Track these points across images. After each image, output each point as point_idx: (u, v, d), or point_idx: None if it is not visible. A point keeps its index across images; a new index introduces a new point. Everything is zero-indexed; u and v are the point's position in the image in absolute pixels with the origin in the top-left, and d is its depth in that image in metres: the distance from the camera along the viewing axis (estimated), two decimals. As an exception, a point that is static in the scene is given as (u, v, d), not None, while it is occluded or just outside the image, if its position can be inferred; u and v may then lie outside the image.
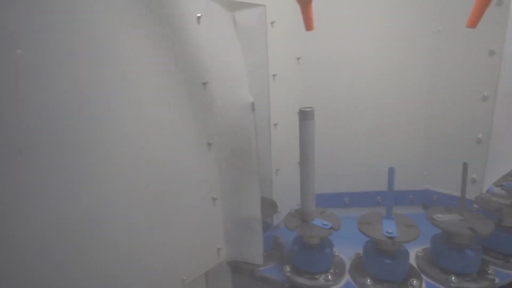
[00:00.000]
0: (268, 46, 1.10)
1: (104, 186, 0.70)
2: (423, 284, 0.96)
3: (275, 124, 1.19)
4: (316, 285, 0.97)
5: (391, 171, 0.98)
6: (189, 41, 0.86)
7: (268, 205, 1.15)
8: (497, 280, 0.95)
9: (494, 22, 1.07)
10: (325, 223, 1.00)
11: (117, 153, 0.72)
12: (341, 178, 1.36)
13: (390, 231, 0.94)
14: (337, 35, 1.23)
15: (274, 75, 1.15)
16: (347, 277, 1.01)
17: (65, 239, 0.64)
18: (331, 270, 1.02)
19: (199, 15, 0.86)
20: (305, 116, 0.94)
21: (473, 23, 0.75)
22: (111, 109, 0.70)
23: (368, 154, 1.33)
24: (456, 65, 1.21)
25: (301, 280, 0.99)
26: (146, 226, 0.81)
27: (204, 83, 0.90)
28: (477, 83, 1.16)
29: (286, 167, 1.27)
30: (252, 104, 0.93)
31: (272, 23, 1.10)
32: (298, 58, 1.23)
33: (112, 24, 0.68)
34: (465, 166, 0.98)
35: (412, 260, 1.04)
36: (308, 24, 0.88)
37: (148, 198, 0.80)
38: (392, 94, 1.27)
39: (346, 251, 1.11)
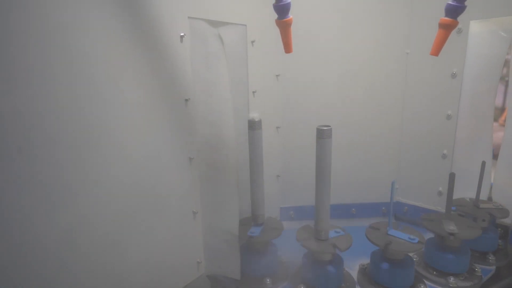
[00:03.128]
0: (248, 64, 1.15)
1: (83, 202, 0.70)
2: None
3: (254, 139, 1.22)
4: None
5: (393, 184, 0.99)
6: (171, 59, 0.88)
7: (271, 228, 1.09)
8: (483, 276, 1.02)
9: (455, 48, 1.17)
10: (412, 237, 0.98)
11: (96, 170, 0.72)
12: (346, 190, 1.39)
13: (412, 237, 0.97)
14: (314, 54, 1.29)
15: (254, 92, 1.19)
16: (285, 283, 1.04)
17: (44, 255, 0.64)
18: (343, 285, 1.01)
19: (183, 34, 0.89)
20: (322, 134, 0.92)
21: (436, 52, 0.82)
22: (90, 126, 0.70)
23: (343, 169, 1.38)
24: (423, 86, 1.30)
25: None
26: (127, 241, 0.81)
27: (186, 100, 0.92)
28: (442, 103, 1.25)
29: (265, 181, 1.30)
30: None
31: (253, 42, 1.14)
32: (277, 75, 1.28)
33: (94, 41, 0.69)
34: (451, 176, 1.04)
35: (354, 272, 1.08)
36: (287, 47, 0.92)
37: (128, 213, 0.80)
38: (366, 111, 1.34)
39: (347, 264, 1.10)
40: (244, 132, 1.17)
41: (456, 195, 1.21)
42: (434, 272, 1.05)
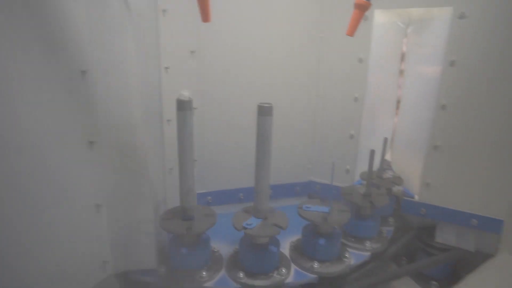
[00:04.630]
0: (160, 36, 1.02)
1: None
2: (291, 272, 1.03)
3: (168, 120, 1.11)
4: (273, 283, 0.96)
5: (333, 165, 1.02)
6: (61, 18, 0.71)
7: (204, 216, 1.02)
8: (353, 262, 1.09)
9: (362, 35, 1.25)
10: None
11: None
12: (234, 174, 1.36)
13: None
14: (231, 33, 1.23)
15: (166, 68, 1.07)
16: (222, 273, 1.01)
17: None
18: (279, 265, 1.02)
19: (76, -10, 0.73)
20: (263, 111, 0.90)
21: (351, 32, 0.85)
22: None
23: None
24: (334, 69, 1.36)
25: (258, 282, 0.95)
26: (17, 242, 0.65)
27: (83, 71, 0.77)
28: (350, 86, 1.33)
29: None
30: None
31: (164, 11, 1.02)
32: (192, 52, 1.18)
33: None
34: (371, 153, 1.12)
35: (286, 250, 1.11)
36: (205, 15, 0.84)
37: (16, 210, 0.64)
38: (281, 93, 1.34)
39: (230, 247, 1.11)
40: (157, 112, 1.06)
41: (362, 170, 1.35)
42: (353, 239, 1.17)
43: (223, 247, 1.11)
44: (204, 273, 0.96)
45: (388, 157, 1.44)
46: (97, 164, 0.84)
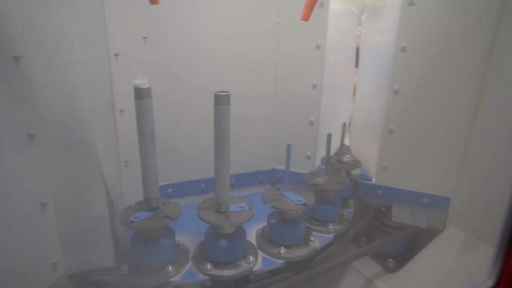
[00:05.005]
0: (108, 20, 0.95)
1: None
2: (259, 259, 1.04)
3: (121, 111, 1.05)
4: (242, 272, 0.96)
5: (288, 147, 1.04)
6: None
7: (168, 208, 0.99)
8: (317, 244, 1.12)
9: (319, 21, 1.25)
10: (243, 205, 0.99)
11: None
12: (195, 165, 1.33)
13: (299, 199, 1.03)
14: (185, 19, 1.18)
15: (116, 55, 1.00)
16: (189, 265, 0.99)
17: None
18: (246, 253, 1.01)
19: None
20: (220, 100, 0.87)
21: (306, 16, 0.84)
22: None
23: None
24: (292, 56, 1.35)
25: (226, 272, 0.94)
26: None
27: (16, 58, 0.69)
28: (308, 73, 1.34)
29: (138, 158, 1.15)
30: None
31: (110, -7, 0.95)
32: (144, 38, 1.12)
33: None
34: (328, 136, 1.15)
35: (253, 238, 1.12)
36: (152, -4, 0.79)
37: None
38: (240, 81, 1.31)
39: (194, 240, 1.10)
40: (107, 103, 0.99)
41: (322, 155, 1.38)
42: (316, 223, 1.20)
43: (188, 240, 1.08)
44: (170, 267, 0.93)
45: (346, 141, 1.48)
46: (39, 159, 0.77)
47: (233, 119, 1.36)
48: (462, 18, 1.07)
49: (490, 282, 0.46)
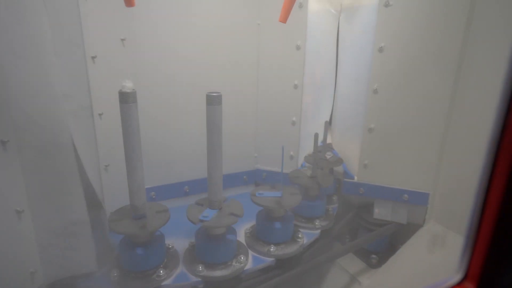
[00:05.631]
0: (83, 21, 0.93)
1: None
2: (250, 258, 1.05)
3: (100, 114, 1.03)
4: (234, 271, 0.96)
5: (283, 149, 1.06)
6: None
7: (156, 212, 0.97)
8: (305, 241, 1.14)
9: (298, 22, 1.26)
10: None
11: None
12: (177, 167, 1.32)
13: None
14: (164, 20, 1.16)
15: (93, 57, 0.99)
16: (180, 268, 0.99)
17: None
18: (237, 252, 1.01)
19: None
20: (212, 101, 0.88)
21: (283, 18, 0.85)
22: None
23: (204, 141, 1.34)
24: (273, 57, 1.36)
25: (218, 273, 0.94)
26: None
27: (-15, 61, 0.67)
28: (289, 74, 1.35)
29: (118, 162, 1.13)
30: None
31: (85, -7, 0.93)
32: (122, 40, 1.10)
33: None
34: (316, 136, 1.18)
35: (242, 238, 1.12)
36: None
37: None
38: (221, 82, 1.30)
39: (184, 242, 1.09)
40: (86, 106, 0.98)
41: (306, 153, 1.40)
42: (303, 220, 1.23)
43: (176, 242, 1.07)
44: (161, 271, 0.93)
45: (328, 139, 1.50)
46: (13, 165, 0.75)
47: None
48: (436, 19, 1.10)
49: (458, 276, 0.48)
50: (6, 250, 0.75)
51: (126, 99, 0.82)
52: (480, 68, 1.07)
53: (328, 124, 1.31)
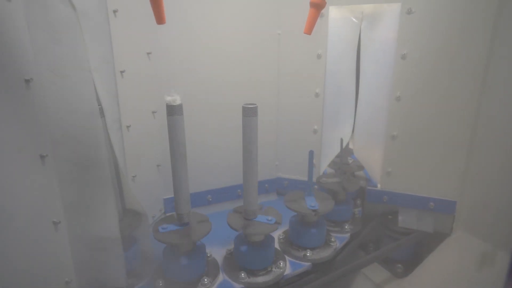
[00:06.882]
0: (113, 38, 0.97)
1: None
2: (287, 264, 1.06)
3: (128, 126, 1.06)
4: (275, 277, 0.98)
5: (311, 154, 1.07)
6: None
7: (198, 222, 1.01)
8: (338, 245, 1.15)
9: (319, 31, 1.27)
10: (270, 218, 1.00)
11: None
12: (202, 177, 1.34)
13: (313, 204, 1.05)
14: (188, 33, 1.20)
15: (122, 72, 1.02)
16: (222, 276, 1.00)
17: None
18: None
19: (12, -7, 0.67)
20: (248, 112, 0.91)
21: (308, 30, 0.86)
22: None
23: (226, 151, 1.36)
24: (294, 66, 1.37)
25: (261, 279, 0.97)
26: None
27: (27, 80, 0.71)
28: (310, 82, 1.36)
29: (144, 173, 1.16)
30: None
31: (115, 11, 0.97)
32: (148, 53, 1.13)
33: None
34: (341, 141, 1.20)
35: (275, 244, 1.12)
36: (159, 17, 0.81)
37: None
38: (242, 91, 1.32)
39: (219, 250, 1.11)
40: (115, 119, 1.01)
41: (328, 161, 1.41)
42: (333, 224, 1.26)
43: (213, 251, 1.09)
44: (205, 279, 0.95)
45: (350, 145, 1.50)
46: (51, 178, 0.78)
47: (238, 129, 1.39)
48: (460, 25, 1.09)
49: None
50: (44, 259, 0.78)
51: (172, 111, 0.86)
52: (507, 74, 1.05)
53: (342, 140, 1.30)
